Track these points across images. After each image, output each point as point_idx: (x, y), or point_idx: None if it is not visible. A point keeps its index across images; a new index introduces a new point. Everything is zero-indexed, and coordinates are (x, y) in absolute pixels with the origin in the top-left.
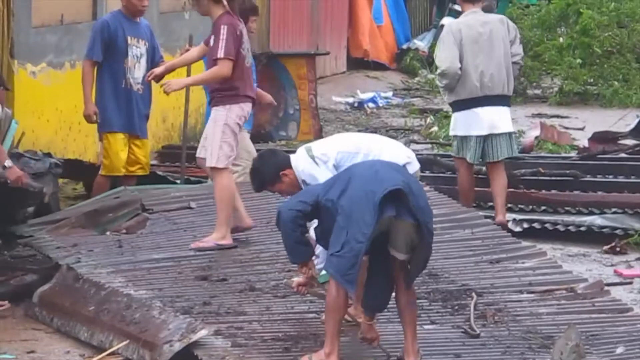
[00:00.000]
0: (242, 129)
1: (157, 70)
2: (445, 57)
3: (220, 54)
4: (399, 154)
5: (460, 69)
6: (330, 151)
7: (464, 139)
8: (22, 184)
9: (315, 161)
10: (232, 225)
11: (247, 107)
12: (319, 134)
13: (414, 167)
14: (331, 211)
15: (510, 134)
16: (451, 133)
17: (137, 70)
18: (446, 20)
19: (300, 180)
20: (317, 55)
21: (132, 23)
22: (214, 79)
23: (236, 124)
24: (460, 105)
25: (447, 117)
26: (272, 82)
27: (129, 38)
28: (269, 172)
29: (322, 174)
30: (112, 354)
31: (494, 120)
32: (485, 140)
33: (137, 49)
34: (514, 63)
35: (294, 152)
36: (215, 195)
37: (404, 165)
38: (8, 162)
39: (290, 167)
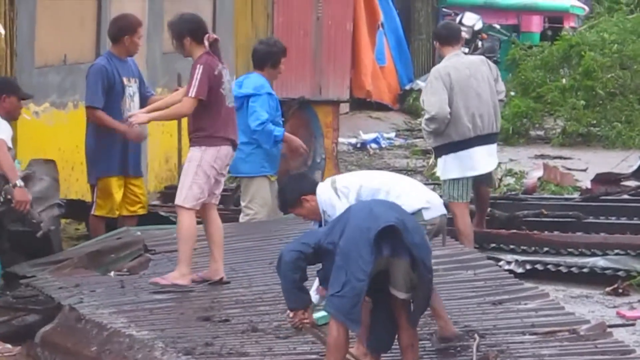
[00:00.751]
0: (221, 173)
1: (142, 117)
2: (435, 102)
3: (192, 92)
4: (418, 198)
5: (450, 113)
6: (353, 184)
7: (458, 182)
8: (24, 209)
9: (337, 193)
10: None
11: (224, 150)
12: None
13: (433, 212)
14: (333, 253)
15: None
16: (443, 177)
17: (132, 110)
18: None
19: (321, 209)
20: (342, 102)
21: (123, 62)
22: (175, 116)
23: (211, 166)
24: (452, 147)
25: None
26: (305, 129)
27: (124, 79)
28: (291, 195)
29: (342, 207)
30: None
31: (487, 159)
32: (476, 177)
33: (130, 88)
34: (500, 100)
35: None
36: (178, 234)
37: (420, 210)
38: (20, 182)
39: (313, 193)
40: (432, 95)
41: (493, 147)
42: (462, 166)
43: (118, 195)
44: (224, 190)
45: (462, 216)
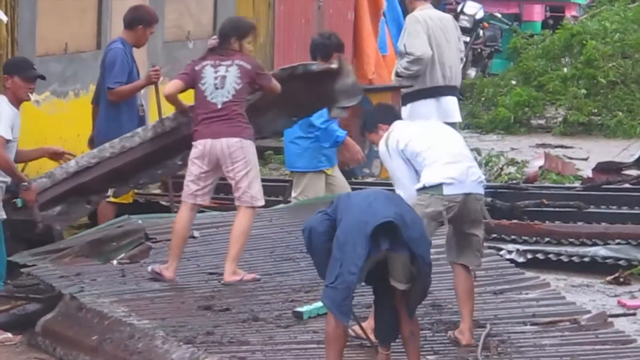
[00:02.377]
0: (203, 166)
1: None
2: (419, 44)
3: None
4: (442, 171)
5: None
6: (402, 141)
7: None
8: (29, 208)
9: (388, 149)
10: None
11: (200, 146)
12: None
13: (455, 189)
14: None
15: (457, 124)
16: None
17: (141, 97)
18: None
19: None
20: (402, 88)
21: (132, 50)
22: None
23: (192, 161)
24: (423, 94)
25: None
26: (359, 118)
27: (135, 65)
28: (370, 119)
29: (391, 163)
30: None
31: (452, 109)
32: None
33: (139, 75)
34: (460, 59)
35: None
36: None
37: (440, 184)
38: (26, 183)
39: (389, 124)
40: (415, 38)
41: (456, 101)
42: (429, 113)
43: None
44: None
45: None
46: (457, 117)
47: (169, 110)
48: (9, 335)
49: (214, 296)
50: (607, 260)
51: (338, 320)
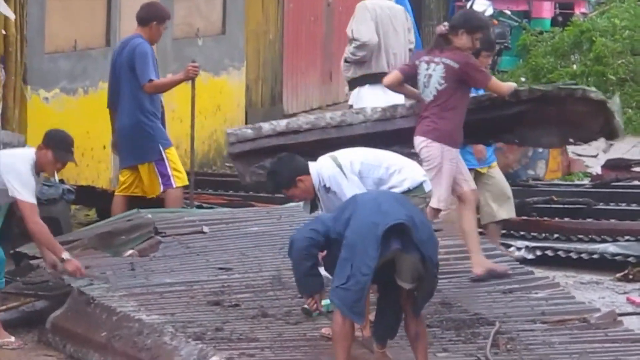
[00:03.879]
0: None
1: None
2: (365, 30)
3: None
4: (417, 172)
5: None
6: (355, 161)
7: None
8: (81, 275)
9: (343, 170)
10: None
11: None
12: (567, 171)
13: (428, 184)
14: (339, 242)
15: None
16: (359, 106)
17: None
18: None
19: (320, 182)
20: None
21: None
22: None
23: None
24: (369, 79)
25: None
26: None
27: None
28: (286, 176)
29: (349, 184)
30: None
31: (394, 97)
32: None
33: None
34: (409, 50)
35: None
36: None
37: (422, 183)
38: (66, 255)
39: (307, 173)
40: (361, 25)
41: None
42: (375, 98)
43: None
44: None
45: None
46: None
47: (203, 108)
48: (12, 339)
49: (223, 292)
50: (616, 257)
51: (345, 318)
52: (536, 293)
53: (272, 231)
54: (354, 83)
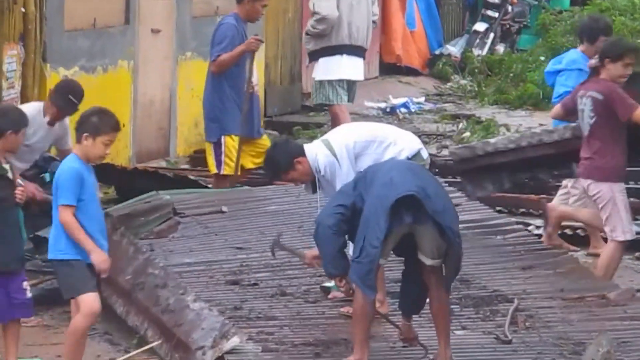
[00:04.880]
0: None
1: None
2: (326, 5)
3: None
4: (413, 141)
5: None
6: (347, 141)
7: (337, 83)
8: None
9: (334, 152)
10: None
11: None
12: None
13: (425, 151)
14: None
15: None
16: (318, 78)
17: (254, 72)
18: (479, 26)
19: (316, 169)
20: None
21: (246, 26)
22: None
23: None
24: (329, 51)
25: (480, 122)
26: None
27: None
28: (284, 160)
29: (342, 165)
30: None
31: (356, 68)
32: (349, 85)
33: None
34: (372, 22)
35: None
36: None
37: (419, 151)
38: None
39: (304, 155)
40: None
41: (361, 62)
42: (339, 69)
43: (243, 153)
44: None
45: (345, 117)
46: (360, 76)
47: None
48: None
49: (241, 271)
50: (637, 236)
51: (366, 297)
52: (555, 270)
53: (290, 209)
54: (314, 55)
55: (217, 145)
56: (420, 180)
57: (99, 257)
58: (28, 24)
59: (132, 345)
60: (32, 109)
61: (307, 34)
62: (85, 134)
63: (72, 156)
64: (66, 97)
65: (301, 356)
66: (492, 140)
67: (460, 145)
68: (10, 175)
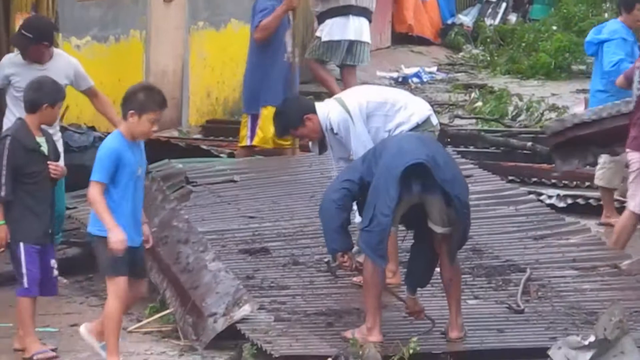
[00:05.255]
0: None
1: None
2: None
3: None
4: (423, 106)
5: None
6: (361, 100)
7: (336, 44)
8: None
9: (352, 117)
10: None
11: None
12: None
13: (435, 117)
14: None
15: (369, 44)
16: (325, 39)
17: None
18: None
19: (327, 127)
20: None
21: None
22: None
23: None
24: (336, 12)
25: (492, 92)
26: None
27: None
28: (293, 116)
29: (355, 124)
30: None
31: (362, 28)
32: (350, 45)
33: (291, 21)
34: None
35: None
36: None
37: (429, 117)
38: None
39: (314, 112)
40: None
41: (367, 23)
42: (342, 30)
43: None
44: None
45: (324, 74)
46: (367, 38)
47: (235, 55)
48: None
49: (254, 240)
50: None
51: (375, 265)
52: (567, 239)
53: (303, 179)
54: (322, 17)
55: (254, 118)
56: (429, 149)
57: (116, 236)
58: None
59: (144, 315)
60: (6, 56)
61: None
62: (131, 111)
63: (116, 133)
64: (19, 33)
65: (313, 325)
66: (577, 112)
67: (554, 118)
68: (45, 150)
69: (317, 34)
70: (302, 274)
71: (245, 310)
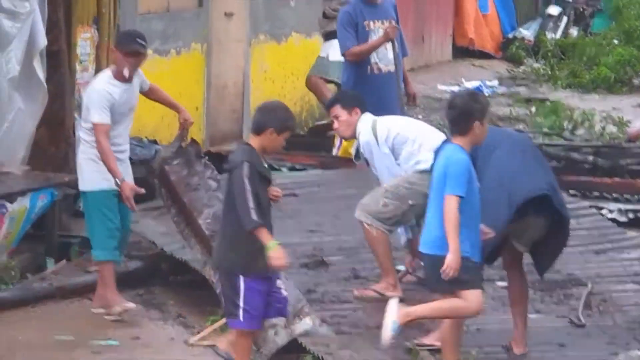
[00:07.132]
0: None
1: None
2: None
3: None
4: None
5: None
6: (391, 131)
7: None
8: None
9: (377, 139)
10: None
11: None
12: None
13: None
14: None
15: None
16: (334, 58)
17: (384, 52)
18: (552, 10)
19: (357, 136)
20: None
21: (371, 7)
22: None
23: None
24: None
25: (544, 105)
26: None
27: (370, 23)
28: (350, 99)
29: (379, 152)
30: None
31: None
32: None
33: (376, 31)
34: None
35: None
36: None
37: None
38: (122, 179)
39: (362, 112)
40: None
41: None
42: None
43: None
44: None
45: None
46: None
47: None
48: (132, 305)
49: (315, 254)
50: None
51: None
52: (628, 253)
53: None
54: (329, 36)
55: None
56: (544, 170)
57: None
58: (102, 7)
59: (205, 327)
60: (101, 78)
61: (324, 16)
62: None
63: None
64: (129, 38)
65: (375, 339)
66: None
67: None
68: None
69: (322, 54)
70: (363, 287)
71: (306, 324)
